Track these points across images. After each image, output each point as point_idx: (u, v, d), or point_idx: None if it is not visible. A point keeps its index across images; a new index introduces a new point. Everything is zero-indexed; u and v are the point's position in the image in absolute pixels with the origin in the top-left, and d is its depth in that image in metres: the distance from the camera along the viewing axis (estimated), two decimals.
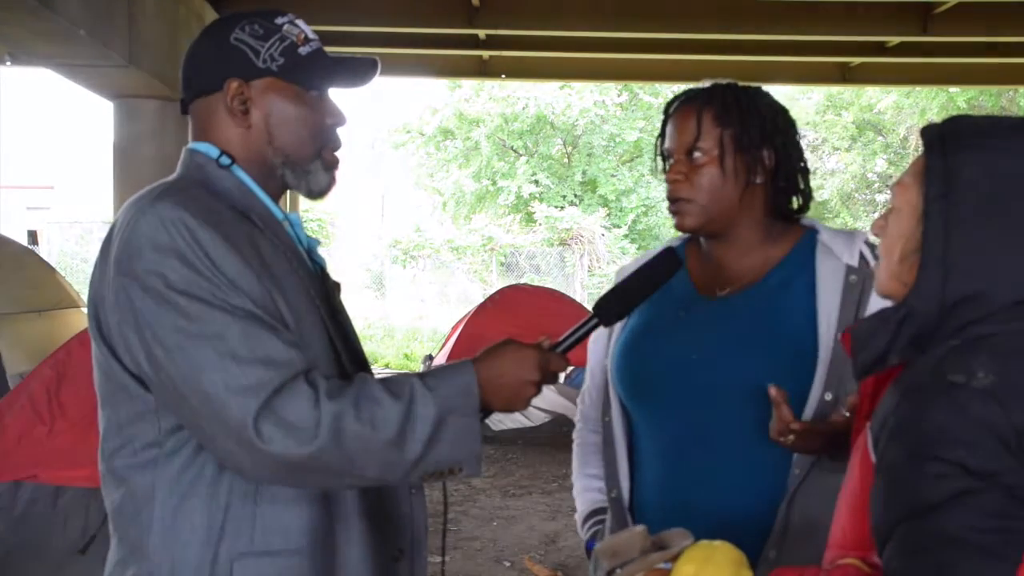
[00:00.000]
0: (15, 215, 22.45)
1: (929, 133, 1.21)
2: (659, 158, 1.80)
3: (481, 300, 9.10)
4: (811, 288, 1.68)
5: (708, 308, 1.75)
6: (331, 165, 1.54)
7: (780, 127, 1.74)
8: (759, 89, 1.78)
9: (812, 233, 1.76)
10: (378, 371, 13.45)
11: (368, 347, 14.87)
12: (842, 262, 1.68)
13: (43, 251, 15.52)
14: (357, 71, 1.53)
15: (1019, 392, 1.06)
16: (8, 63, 7.06)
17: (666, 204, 1.78)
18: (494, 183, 22.55)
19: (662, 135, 1.78)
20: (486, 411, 1.40)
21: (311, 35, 1.51)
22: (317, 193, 1.53)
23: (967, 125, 1.20)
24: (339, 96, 1.57)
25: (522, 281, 17.52)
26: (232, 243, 1.34)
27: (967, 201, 1.15)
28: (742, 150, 1.70)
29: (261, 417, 1.26)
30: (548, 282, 19.08)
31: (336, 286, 1.59)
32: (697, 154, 1.70)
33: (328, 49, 1.54)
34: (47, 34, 5.27)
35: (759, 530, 1.63)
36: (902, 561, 1.05)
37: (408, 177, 25.21)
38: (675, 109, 1.77)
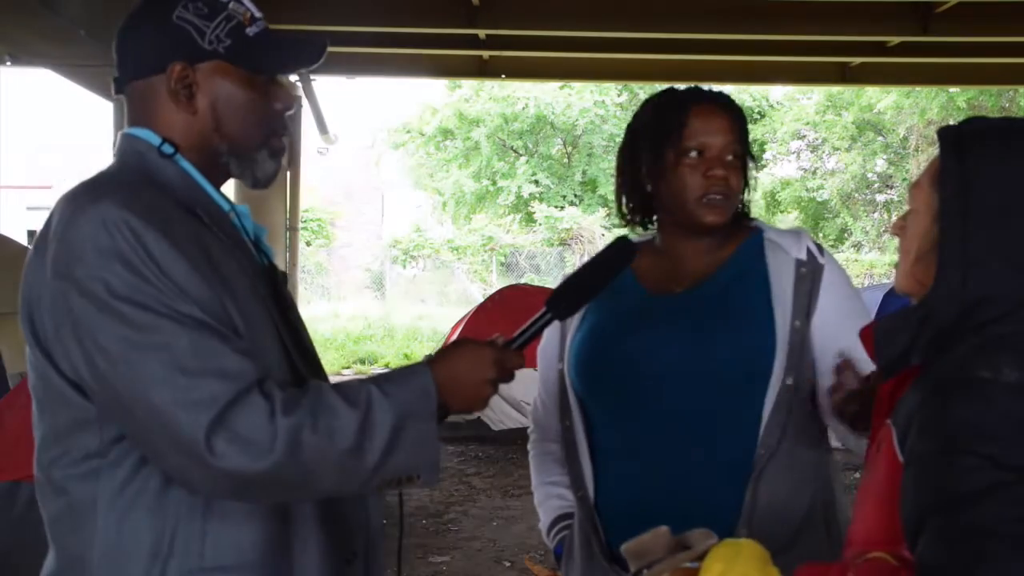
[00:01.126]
0: (15, 215, 22.44)
1: (945, 134, 1.23)
2: (665, 151, 1.79)
3: (481, 300, 9.11)
4: (764, 281, 1.78)
5: (664, 305, 1.82)
6: (277, 152, 1.46)
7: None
8: None
9: (758, 232, 1.85)
10: (378, 371, 13.42)
11: (368, 347, 14.88)
12: (791, 256, 1.79)
13: None
14: (306, 52, 1.45)
15: None
16: (8, 63, 7.05)
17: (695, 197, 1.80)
18: (494, 183, 22.56)
19: (682, 126, 1.78)
20: (444, 413, 1.36)
21: (257, 13, 1.42)
22: (263, 182, 1.45)
23: (983, 126, 1.22)
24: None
25: (522, 281, 17.54)
26: (179, 245, 1.26)
27: (983, 201, 1.17)
28: (747, 155, 1.84)
29: (213, 432, 1.20)
30: (548, 282, 19.07)
31: (284, 277, 1.51)
32: (730, 157, 1.79)
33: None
34: (47, 34, 5.26)
35: (728, 511, 1.70)
36: (935, 552, 1.07)
37: (408, 177, 25.21)
38: (702, 107, 1.80)
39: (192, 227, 1.32)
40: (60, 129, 29.02)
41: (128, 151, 1.39)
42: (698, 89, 1.86)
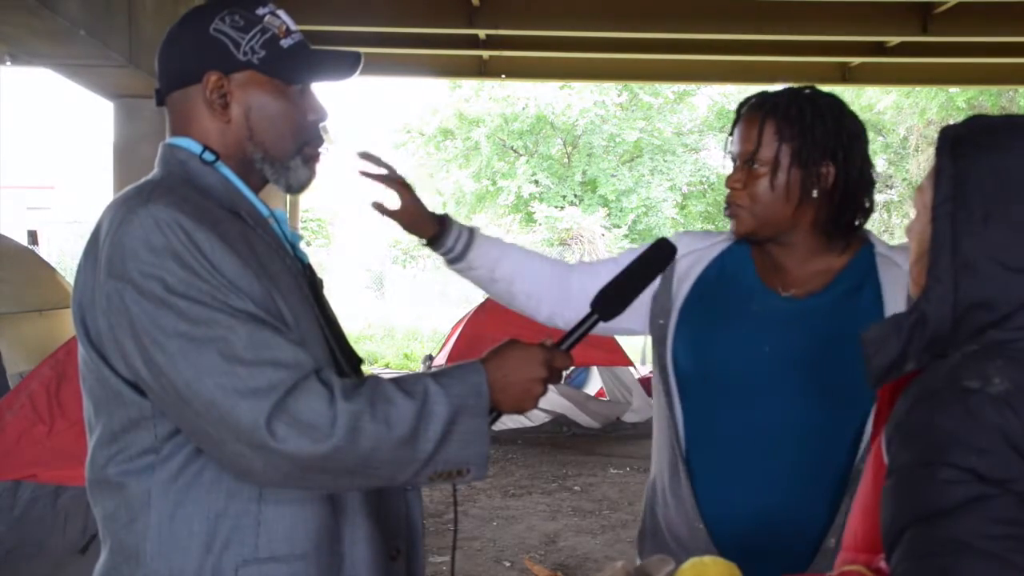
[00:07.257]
0: (15, 215, 22.43)
1: (944, 134, 1.20)
2: (728, 157, 1.83)
3: (481, 300, 9.10)
4: (877, 295, 1.74)
5: (776, 304, 1.79)
6: (311, 160, 1.50)
7: (843, 143, 1.74)
8: (833, 99, 1.77)
9: (869, 246, 1.81)
10: (378, 371, 13.38)
11: (368, 347, 14.87)
12: (903, 270, 1.73)
13: (43, 251, 15.49)
14: (340, 65, 1.49)
15: None
16: (8, 63, 7.05)
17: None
18: (494, 183, 22.55)
19: (732, 135, 1.81)
20: (495, 413, 1.39)
21: (293, 27, 1.46)
22: (297, 188, 1.50)
23: (979, 127, 1.18)
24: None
25: None
26: (229, 243, 1.31)
27: (974, 204, 1.14)
28: (800, 166, 1.72)
29: (274, 418, 1.24)
30: None
31: (320, 282, 1.56)
32: (755, 165, 1.73)
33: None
34: (47, 34, 5.26)
35: (817, 524, 1.70)
36: (909, 565, 1.04)
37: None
38: (744, 113, 1.79)
39: (238, 227, 1.37)
40: (60, 129, 29.04)
41: (171, 160, 1.44)
42: (756, 94, 1.80)
